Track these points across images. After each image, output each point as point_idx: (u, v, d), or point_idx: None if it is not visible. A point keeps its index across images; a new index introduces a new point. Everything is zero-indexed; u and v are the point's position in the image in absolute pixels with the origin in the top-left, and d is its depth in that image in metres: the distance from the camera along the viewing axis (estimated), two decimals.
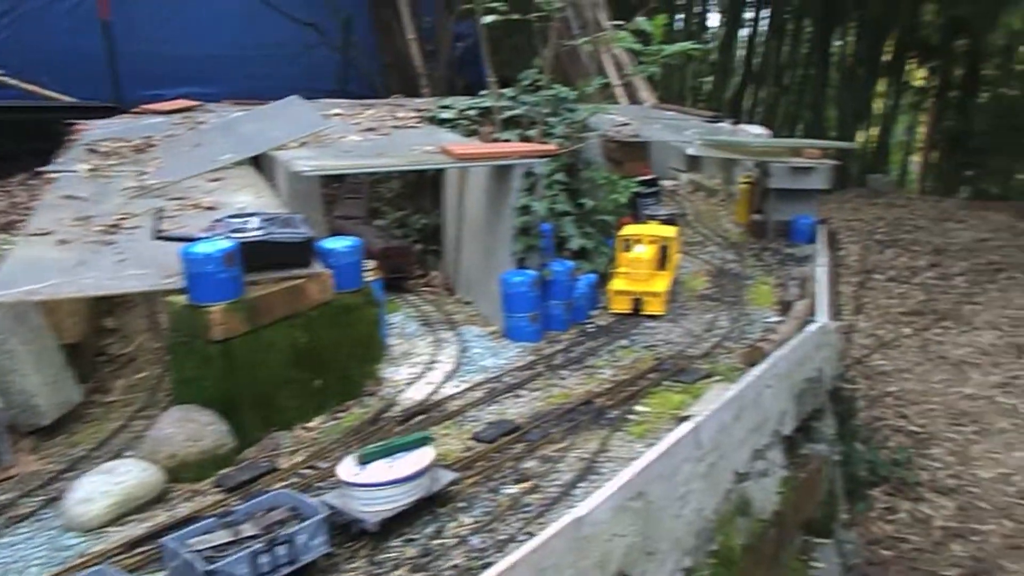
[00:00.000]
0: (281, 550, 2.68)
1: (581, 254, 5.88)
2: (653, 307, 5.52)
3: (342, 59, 13.25)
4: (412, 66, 12.70)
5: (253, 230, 4.06)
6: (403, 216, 6.91)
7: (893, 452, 8.47)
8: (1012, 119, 16.25)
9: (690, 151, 8.52)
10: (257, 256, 3.95)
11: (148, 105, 8.57)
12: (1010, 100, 16.92)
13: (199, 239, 3.82)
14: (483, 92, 6.73)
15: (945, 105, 17.94)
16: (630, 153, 7.97)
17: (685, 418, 3.91)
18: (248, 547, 2.61)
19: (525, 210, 5.10)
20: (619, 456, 3.75)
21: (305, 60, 13.32)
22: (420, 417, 4.14)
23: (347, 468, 3.17)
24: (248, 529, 2.75)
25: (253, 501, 2.95)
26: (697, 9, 22.63)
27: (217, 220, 4.18)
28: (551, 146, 5.52)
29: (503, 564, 2.69)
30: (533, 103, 6.41)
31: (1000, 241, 13.73)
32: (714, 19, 23.13)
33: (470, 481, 3.53)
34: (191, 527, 2.74)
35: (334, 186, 8.18)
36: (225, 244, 3.70)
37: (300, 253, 4.13)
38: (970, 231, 14.71)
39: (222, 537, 2.69)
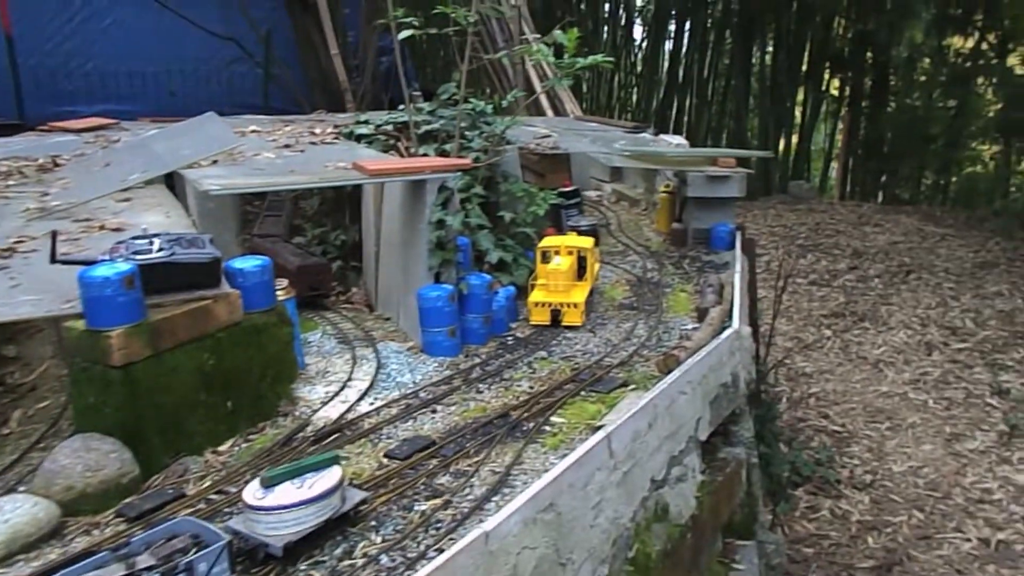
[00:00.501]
0: None
1: (500, 267, 5.91)
2: (571, 318, 5.58)
3: (264, 75, 13.08)
4: (336, 81, 12.60)
5: (156, 251, 3.96)
6: (323, 233, 6.84)
7: (816, 452, 8.74)
8: (916, 128, 17.02)
9: (615, 162, 8.68)
10: (160, 278, 3.85)
11: (58, 123, 8.31)
12: (913, 110, 17.74)
13: (99, 262, 3.70)
14: (401, 107, 6.73)
15: (858, 114, 18.68)
16: (551, 165, 8.07)
17: (599, 428, 3.96)
18: None
19: (440, 224, 5.10)
20: (533, 468, 3.77)
21: (226, 76, 13.12)
22: (334, 436, 4.09)
23: (252, 491, 3.11)
24: (145, 560, 2.66)
25: (152, 530, 2.86)
26: (622, 22, 23.10)
27: (119, 242, 4.06)
28: (466, 160, 5.55)
29: None
30: (450, 117, 6.44)
31: (911, 244, 14.35)
32: (638, 32, 23.68)
33: (382, 499, 3.50)
34: (81, 563, 2.64)
35: (256, 204, 8.07)
36: (124, 266, 3.60)
37: (205, 274, 4.04)
38: (885, 234, 15.30)
39: (116, 571, 2.60)
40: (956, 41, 16.30)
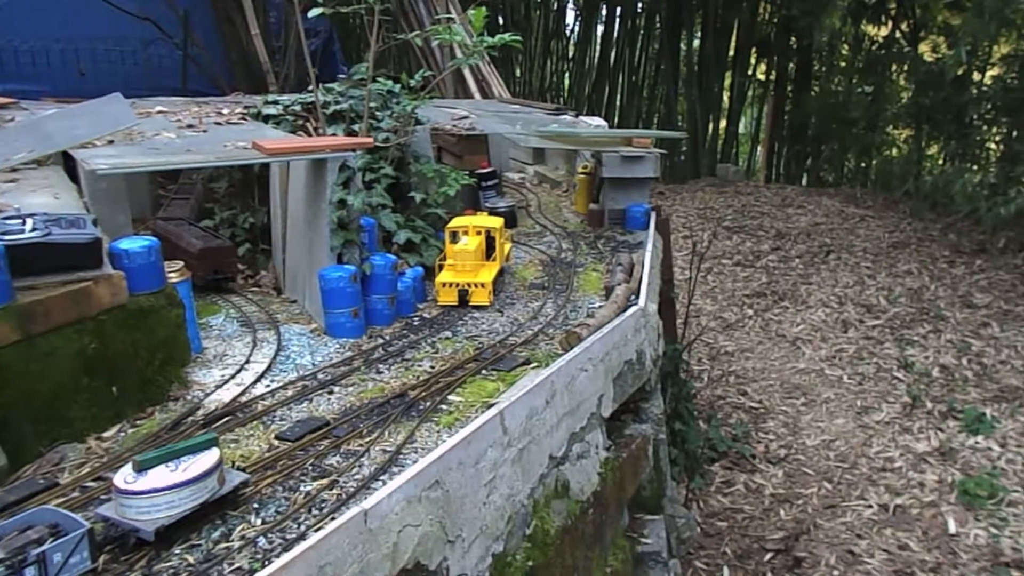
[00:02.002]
0: (30, 572, 2.50)
1: (409, 247, 5.85)
2: (479, 298, 5.56)
3: (183, 57, 12.71)
4: (258, 63, 12.30)
5: (29, 232, 3.80)
6: (231, 216, 6.67)
7: (733, 428, 8.93)
8: (838, 112, 17.47)
9: (530, 143, 8.68)
10: (32, 259, 3.70)
11: None
12: (835, 95, 18.20)
13: None
14: (311, 87, 6.58)
15: (783, 98, 19.07)
16: (469, 146, 8.03)
17: (493, 405, 3.95)
18: None
19: (342, 204, 5.02)
20: (425, 447, 3.74)
21: (143, 58, 12.72)
22: (226, 419, 4.00)
23: (123, 476, 3.02)
24: None
25: (4, 522, 2.74)
26: (555, 6, 23.10)
27: None
28: (367, 139, 5.46)
29: (277, 564, 2.63)
30: (359, 97, 6.34)
31: (832, 224, 14.74)
32: (571, 16, 23.73)
33: (268, 481, 3.43)
34: None
35: (170, 188, 7.84)
36: None
37: (85, 255, 3.89)
38: (808, 216, 15.68)
39: None
40: (872, 29, 16.77)
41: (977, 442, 7.98)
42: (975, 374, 9.30)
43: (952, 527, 6.78)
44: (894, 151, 18.34)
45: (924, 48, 15.81)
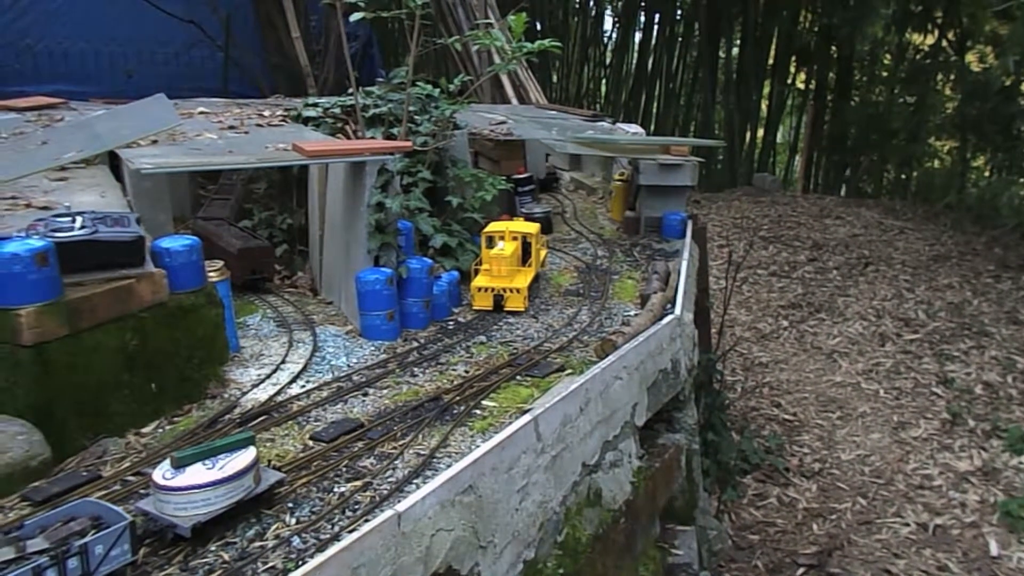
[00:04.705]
0: (72, 563, 2.54)
1: (445, 252, 5.87)
2: (514, 303, 5.56)
3: (224, 58, 12.92)
4: (298, 65, 12.46)
5: (78, 229, 3.88)
6: (269, 216, 6.75)
7: (766, 440, 8.81)
8: (878, 123, 17.18)
9: (568, 149, 8.67)
10: (79, 256, 3.76)
11: (1, 101, 8.11)
12: (876, 105, 17.90)
13: (10, 239, 3.61)
14: (350, 90, 6.64)
15: (822, 108, 18.81)
16: (506, 152, 8.03)
17: (526, 411, 3.94)
18: (31, 563, 2.46)
19: (379, 207, 5.05)
20: (459, 451, 3.74)
21: (185, 59, 12.95)
22: (261, 418, 4.04)
23: (161, 472, 3.06)
24: (38, 543, 2.59)
25: (49, 513, 2.79)
26: (593, 13, 23.07)
27: (39, 219, 3.97)
28: (406, 142, 5.49)
29: (311, 564, 2.64)
30: (399, 101, 6.38)
31: (870, 236, 14.50)
32: (609, 23, 23.69)
33: (302, 481, 3.45)
34: None
35: (210, 188, 7.97)
36: (37, 243, 3.51)
37: (129, 252, 3.95)
38: (846, 227, 15.45)
39: (4, 555, 2.52)
40: (916, 38, 16.47)
41: (1021, 462, 7.78)
42: (1020, 392, 9.07)
43: (994, 549, 6.61)
44: (936, 163, 17.98)
45: (971, 58, 15.48)
